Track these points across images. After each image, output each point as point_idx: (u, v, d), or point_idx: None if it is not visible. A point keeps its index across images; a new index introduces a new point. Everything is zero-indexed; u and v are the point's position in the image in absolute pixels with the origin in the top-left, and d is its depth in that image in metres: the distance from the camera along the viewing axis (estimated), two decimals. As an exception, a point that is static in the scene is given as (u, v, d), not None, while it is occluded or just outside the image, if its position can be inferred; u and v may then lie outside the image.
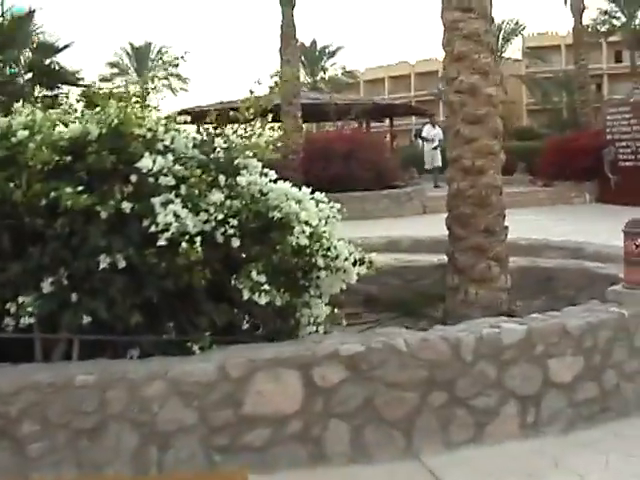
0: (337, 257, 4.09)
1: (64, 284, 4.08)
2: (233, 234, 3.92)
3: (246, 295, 3.91)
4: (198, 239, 3.77)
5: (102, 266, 3.96)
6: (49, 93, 14.72)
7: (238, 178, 3.94)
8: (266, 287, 3.91)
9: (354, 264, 4.19)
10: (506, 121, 12.57)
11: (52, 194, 3.80)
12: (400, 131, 38.17)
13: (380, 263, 7.19)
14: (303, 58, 50.67)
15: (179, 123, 4.50)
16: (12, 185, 3.90)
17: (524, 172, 22.39)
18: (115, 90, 4.25)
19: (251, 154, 4.28)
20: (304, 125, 20.68)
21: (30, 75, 15.44)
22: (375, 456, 4.02)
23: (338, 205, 4.53)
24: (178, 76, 47.52)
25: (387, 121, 29.02)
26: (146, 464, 3.83)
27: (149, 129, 4.09)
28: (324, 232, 4.05)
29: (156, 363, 3.98)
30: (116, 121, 3.98)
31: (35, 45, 15.96)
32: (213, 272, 4.04)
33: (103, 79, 48.49)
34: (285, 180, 4.38)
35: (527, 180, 21.50)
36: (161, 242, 3.77)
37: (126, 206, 3.88)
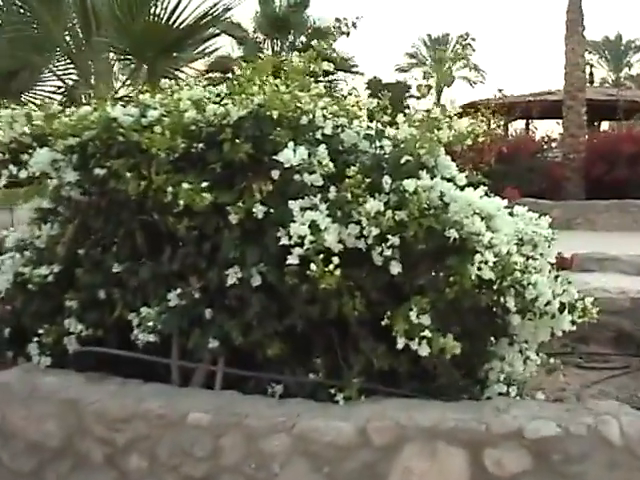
0: (536, 299, 2.92)
1: (196, 297, 3.41)
2: (391, 256, 2.94)
3: (400, 343, 2.91)
4: (336, 259, 2.84)
5: (230, 281, 3.21)
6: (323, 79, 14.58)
7: (405, 182, 2.93)
8: (428, 333, 2.86)
9: (561, 310, 2.99)
10: None
11: (169, 189, 3.11)
12: None
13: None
14: (606, 52, 47.04)
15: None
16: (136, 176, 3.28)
17: None
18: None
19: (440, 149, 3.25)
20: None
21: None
22: None
23: (548, 219, 3.35)
24: (475, 67, 46.46)
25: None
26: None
27: (304, 112, 3.24)
28: (516, 263, 2.89)
29: (286, 410, 3.14)
30: (256, 101, 3.19)
31: (310, 30, 15.94)
32: (369, 303, 3.11)
33: (399, 69, 48.93)
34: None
35: None
36: (291, 260, 2.90)
37: (259, 210, 3.07)
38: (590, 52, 38.74)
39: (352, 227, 2.92)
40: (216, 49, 7.72)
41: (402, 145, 3.13)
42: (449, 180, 3.12)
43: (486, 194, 3.61)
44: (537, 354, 3.54)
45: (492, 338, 3.35)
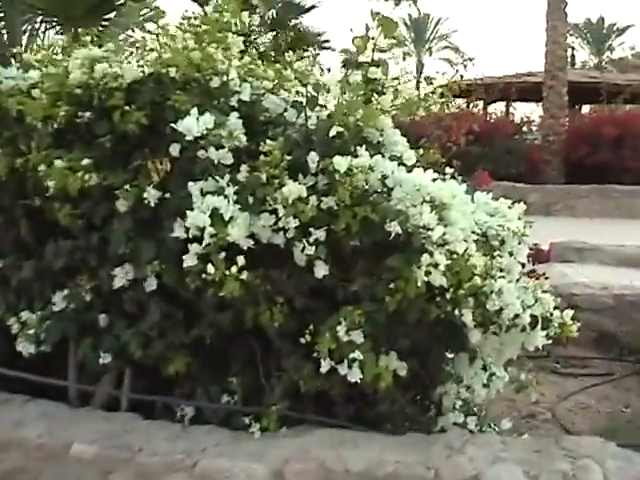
0: (501, 311, 2.29)
1: (86, 300, 2.76)
2: (315, 255, 2.29)
3: (325, 366, 2.27)
4: (241, 259, 2.20)
5: (118, 284, 2.57)
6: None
7: (336, 159, 2.28)
8: (359, 355, 2.23)
9: (533, 324, 2.36)
10: None
11: (41, 168, 2.45)
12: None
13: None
14: (588, 35, 46.42)
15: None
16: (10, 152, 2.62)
17: None
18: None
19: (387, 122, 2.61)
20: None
21: (272, 34, 14.73)
22: None
23: (521, 207, 2.73)
24: (456, 49, 45.79)
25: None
26: None
27: (216, 73, 2.58)
28: (475, 266, 2.25)
29: (189, 443, 2.51)
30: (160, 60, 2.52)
31: (280, 4, 15.14)
32: (293, 311, 2.48)
33: (379, 50, 48.11)
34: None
35: None
36: (188, 260, 2.25)
37: (151, 195, 2.42)
38: (572, 35, 38.13)
39: (265, 217, 2.27)
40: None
41: (330, 114, 2.46)
42: (396, 160, 2.47)
43: (453, 177, 3.00)
44: (505, 369, 2.94)
45: (448, 353, 2.73)
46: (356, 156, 2.38)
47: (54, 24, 6.58)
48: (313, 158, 2.35)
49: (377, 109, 2.46)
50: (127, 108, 2.49)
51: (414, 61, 44.13)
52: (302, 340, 2.35)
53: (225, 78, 2.61)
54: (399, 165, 2.46)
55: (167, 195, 2.43)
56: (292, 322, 2.51)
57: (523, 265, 2.63)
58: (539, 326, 2.33)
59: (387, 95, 2.44)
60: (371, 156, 2.40)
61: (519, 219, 2.92)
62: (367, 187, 2.34)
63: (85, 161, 2.46)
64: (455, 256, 2.25)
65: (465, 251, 2.26)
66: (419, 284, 2.19)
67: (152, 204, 2.43)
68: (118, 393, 2.86)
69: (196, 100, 2.49)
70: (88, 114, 2.57)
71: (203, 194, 2.31)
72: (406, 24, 50.74)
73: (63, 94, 2.62)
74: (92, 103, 2.63)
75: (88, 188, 2.56)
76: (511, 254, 2.63)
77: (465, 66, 25.37)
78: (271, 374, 2.69)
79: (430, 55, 47.34)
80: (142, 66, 2.57)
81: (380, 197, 2.32)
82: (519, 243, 2.60)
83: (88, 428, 2.68)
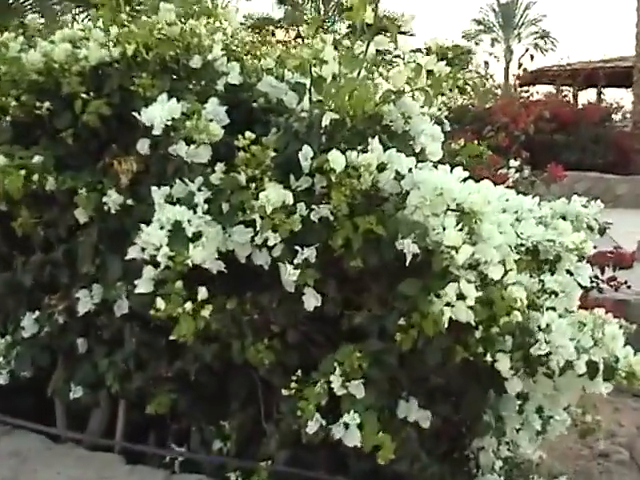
0: (548, 356, 1.73)
1: (59, 322, 2.33)
2: (302, 280, 1.78)
3: (312, 426, 1.76)
4: (202, 291, 1.71)
5: (82, 309, 2.14)
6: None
7: (332, 154, 1.76)
8: (355, 418, 1.71)
9: (592, 373, 1.79)
10: None
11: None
12: None
13: None
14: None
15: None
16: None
17: None
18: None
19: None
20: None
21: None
22: None
23: (600, 204, 2.17)
24: (545, 34, 44.14)
25: None
26: None
27: (195, 49, 2.08)
28: (515, 300, 1.69)
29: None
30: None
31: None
32: (287, 346, 1.98)
33: (466, 36, 46.97)
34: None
35: None
36: (140, 286, 1.79)
37: (112, 201, 1.96)
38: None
39: (240, 231, 1.78)
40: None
41: (320, 96, 1.92)
42: (416, 156, 1.93)
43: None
44: (566, 408, 2.37)
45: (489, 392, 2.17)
46: (364, 151, 1.86)
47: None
48: (306, 154, 1.83)
49: (386, 90, 1.91)
50: (89, 96, 2.04)
51: (502, 47, 42.71)
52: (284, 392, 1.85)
53: (211, 57, 2.12)
54: (418, 162, 1.93)
55: (130, 202, 1.96)
56: (289, 356, 2.03)
57: (584, 288, 2.06)
58: (599, 376, 1.76)
59: (401, 70, 1.88)
60: (385, 149, 1.88)
61: (591, 228, 2.38)
62: (375, 190, 1.82)
63: (36, 159, 2.03)
64: (487, 283, 1.70)
65: (503, 277, 1.70)
66: (440, 318, 1.66)
67: (113, 211, 1.97)
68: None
69: (165, 85, 2.01)
70: (47, 104, 2.13)
71: (167, 201, 1.84)
72: (494, 9, 49.26)
73: (21, 81, 2.19)
74: (57, 91, 2.19)
75: (52, 192, 2.14)
76: (570, 273, 2.05)
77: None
78: (272, 416, 2.21)
79: (519, 42, 45.76)
80: (110, 45, 2.10)
81: (390, 204, 1.79)
82: (580, 260, 2.03)
83: (59, 474, 2.27)
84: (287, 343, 1.98)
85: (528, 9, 45.89)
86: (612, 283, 4.20)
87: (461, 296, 1.66)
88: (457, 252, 1.67)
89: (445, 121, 4.45)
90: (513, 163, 4.05)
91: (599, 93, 18.66)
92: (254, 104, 2.15)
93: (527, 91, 14.79)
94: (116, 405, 2.50)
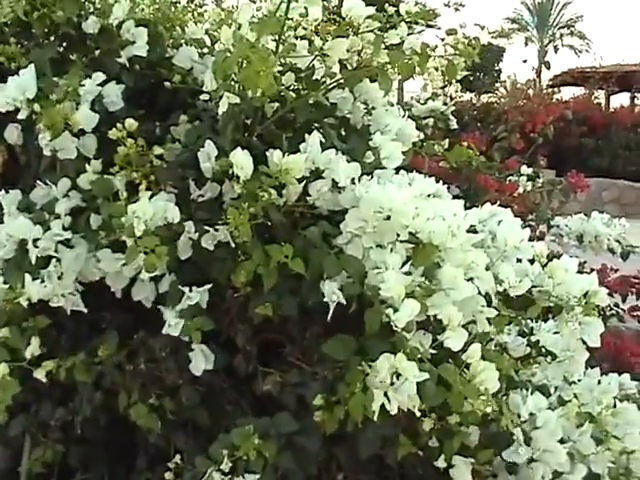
0: (529, 464, 1.20)
1: None
2: (186, 334, 1.26)
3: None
4: (34, 342, 1.20)
5: None
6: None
7: (233, 157, 1.24)
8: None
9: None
10: None
11: None
12: None
13: None
14: None
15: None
16: None
17: None
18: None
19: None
20: None
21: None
22: None
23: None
24: (580, 35, 43.19)
25: None
26: None
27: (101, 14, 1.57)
28: (480, 379, 1.16)
29: None
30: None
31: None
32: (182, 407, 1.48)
33: (499, 35, 46.05)
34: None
35: None
36: None
37: None
38: None
39: (105, 255, 1.27)
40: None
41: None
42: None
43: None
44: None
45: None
46: (298, 151, 1.34)
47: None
48: (209, 152, 1.31)
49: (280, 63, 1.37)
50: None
51: (536, 48, 41.88)
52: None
53: (112, 20, 1.60)
54: (376, 168, 1.41)
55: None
56: (198, 414, 1.52)
57: (604, 317, 1.52)
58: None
59: (344, 40, 1.34)
60: (323, 149, 1.35)
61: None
62: (307, 208, 1.30)
63: None
64: (444, 354, 1.17)
65: (466, 345, 1.18)
66: (370, 403, 1.14)
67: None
68: None
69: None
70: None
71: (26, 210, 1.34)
72: (529, 8, 48.41)
73: None
74: None
75: None
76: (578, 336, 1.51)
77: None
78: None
79: (554, 42, 44.86)
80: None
81: (314, 231, 1.27)
82: (588, 314, 1.48)
83: None
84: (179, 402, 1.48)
85: (564, 9, 44.94)
86: (635, 314, 3.61)
87: (395, 375, 1.14)
88: (397, 309, 1.14)
89: (452, 117, 3.91)
90: (525, 170, 3.49)
91: (633, 97, 17.90)
92: (167, 83, 1.63)
93: (557, 92, 14.12)
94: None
